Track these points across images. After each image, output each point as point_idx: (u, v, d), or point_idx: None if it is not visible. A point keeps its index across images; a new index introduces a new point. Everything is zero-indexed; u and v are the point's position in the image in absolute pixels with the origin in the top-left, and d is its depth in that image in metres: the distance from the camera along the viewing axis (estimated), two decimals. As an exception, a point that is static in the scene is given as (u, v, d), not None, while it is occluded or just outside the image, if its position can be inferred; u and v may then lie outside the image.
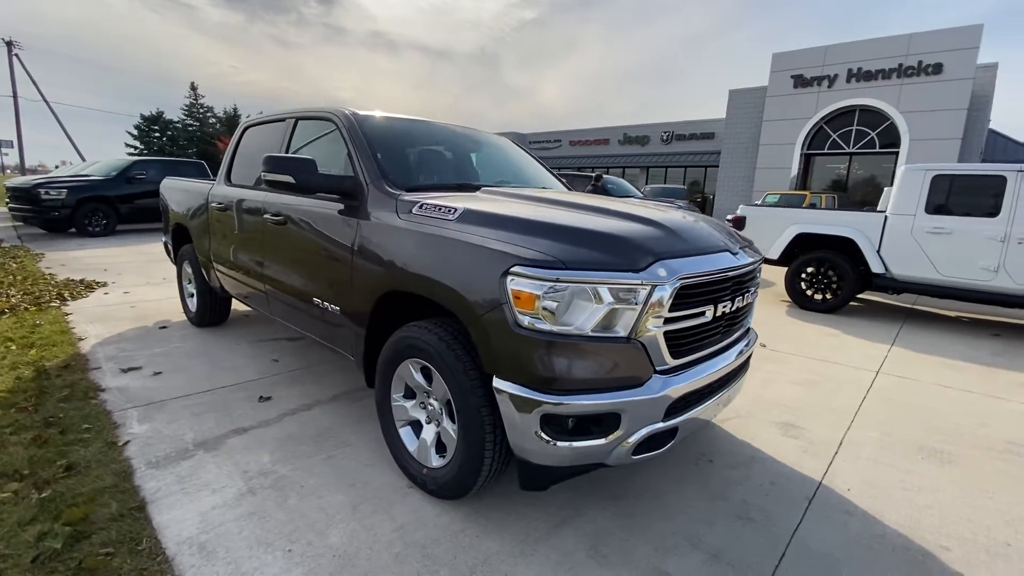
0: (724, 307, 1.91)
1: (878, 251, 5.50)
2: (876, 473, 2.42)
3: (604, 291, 1.58)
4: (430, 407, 2.05)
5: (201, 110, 44.60)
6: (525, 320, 1.59)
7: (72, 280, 5.76)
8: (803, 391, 3.41)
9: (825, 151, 20.19)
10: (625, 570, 1.73)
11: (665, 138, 27.71)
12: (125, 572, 1.60)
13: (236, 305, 4.51)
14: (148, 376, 3.20)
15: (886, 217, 5.47)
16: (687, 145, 27.09)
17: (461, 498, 1.99)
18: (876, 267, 5.47)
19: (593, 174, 10.00)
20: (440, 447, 2.03)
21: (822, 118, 19.62)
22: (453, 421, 1.92)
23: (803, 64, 19.64)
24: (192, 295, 4.26)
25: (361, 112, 2.68)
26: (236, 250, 3.31)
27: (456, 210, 1.95)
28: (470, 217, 1.90)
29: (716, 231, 2.13)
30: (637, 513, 2.04)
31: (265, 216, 2.89)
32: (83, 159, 27.97)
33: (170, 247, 4.54)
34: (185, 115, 43.98)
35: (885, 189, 7.13)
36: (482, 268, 1.70)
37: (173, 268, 7.00)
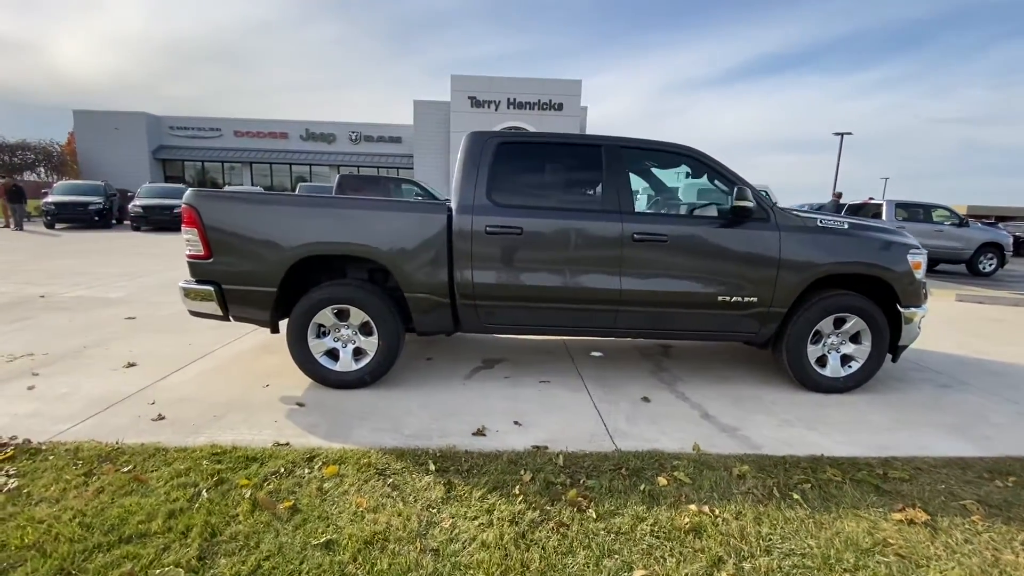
0: None
1: None
2: None
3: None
4: (835, 337, 3.43)
5: None
6: (917, 274, 3.34)
7: None
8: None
9: (496, 160, 25.95)
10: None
11: (354, 138, 28.11)
12: None
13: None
14: (516, 431, 2.82)
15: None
16: (376, 147, 28.42)
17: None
18: None
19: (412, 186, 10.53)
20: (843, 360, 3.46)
21: (493, 134, 24.95)
22: (856, 343, 3.41)
23: (475, 89, 24.29)
24: (337, 349, 3.30)
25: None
26: (548, 273, 3.23)
27: (842, 223, 3.38)
28: (854, 227, 3.38)
29: None
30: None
31: (636, 236, 3.17)
32: None
33: (270, 299, 3.16)
34: None
35: None
36: (897, 252, 3.31)
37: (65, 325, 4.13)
